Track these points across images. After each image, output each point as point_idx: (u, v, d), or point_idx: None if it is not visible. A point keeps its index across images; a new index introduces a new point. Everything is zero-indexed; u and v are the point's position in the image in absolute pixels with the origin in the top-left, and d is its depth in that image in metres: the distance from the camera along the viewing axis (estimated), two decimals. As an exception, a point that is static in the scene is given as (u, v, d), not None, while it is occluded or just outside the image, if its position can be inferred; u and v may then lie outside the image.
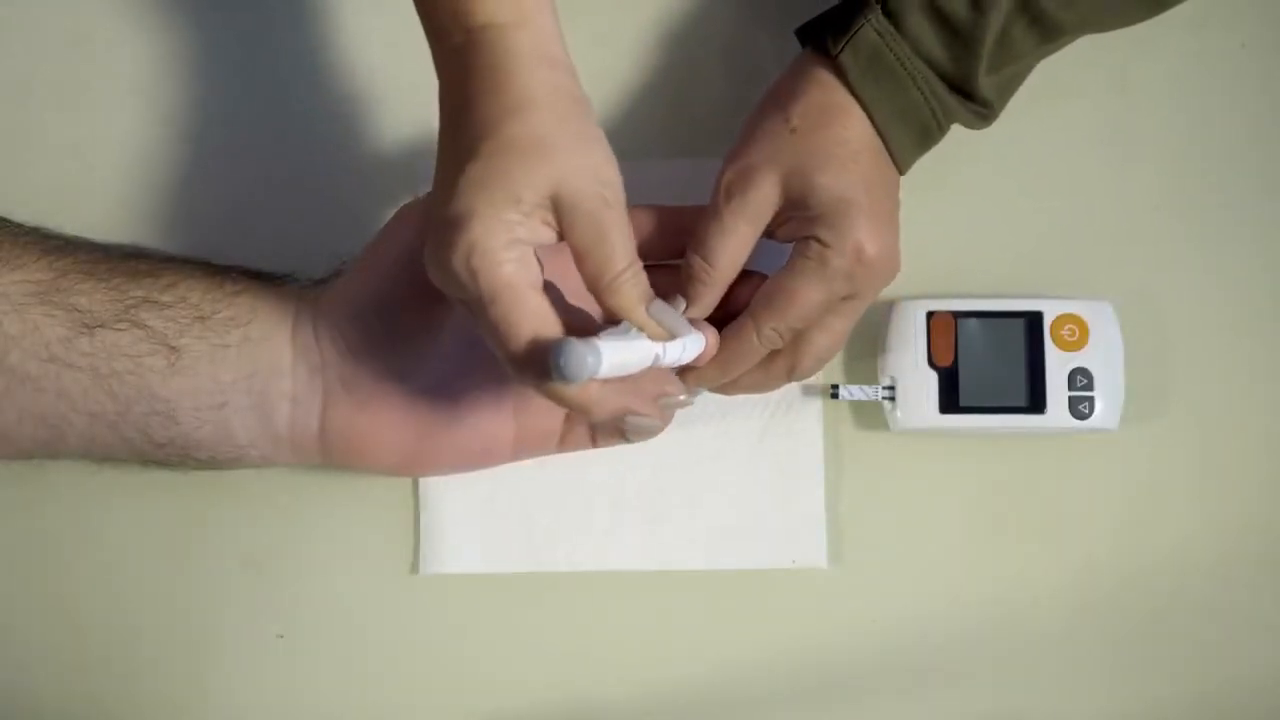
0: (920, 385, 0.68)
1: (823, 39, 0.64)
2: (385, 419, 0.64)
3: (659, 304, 0.56)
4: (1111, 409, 0.68)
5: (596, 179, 0.55)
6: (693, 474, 0.70)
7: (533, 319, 0.53)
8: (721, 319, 0.62)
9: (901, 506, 0.70)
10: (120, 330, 0.63)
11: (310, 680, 0.70)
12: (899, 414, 0.69)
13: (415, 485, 0.70)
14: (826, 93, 0.63)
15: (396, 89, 0.74)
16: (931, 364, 0.69)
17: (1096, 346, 0.69)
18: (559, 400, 0.54)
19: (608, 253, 0.54)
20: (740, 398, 0.68)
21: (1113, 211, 0.72)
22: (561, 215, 0.54)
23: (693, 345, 0.59)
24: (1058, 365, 0.68)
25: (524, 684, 0.69)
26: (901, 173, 0.65)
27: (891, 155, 0.64)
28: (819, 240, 0.61)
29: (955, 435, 0.69)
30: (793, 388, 0.70)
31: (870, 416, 0.70)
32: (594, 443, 0.66)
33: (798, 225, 0.61)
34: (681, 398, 0.60)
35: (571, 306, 0.56)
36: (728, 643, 0.69)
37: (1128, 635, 0.69)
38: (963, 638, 0.69)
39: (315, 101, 0.74)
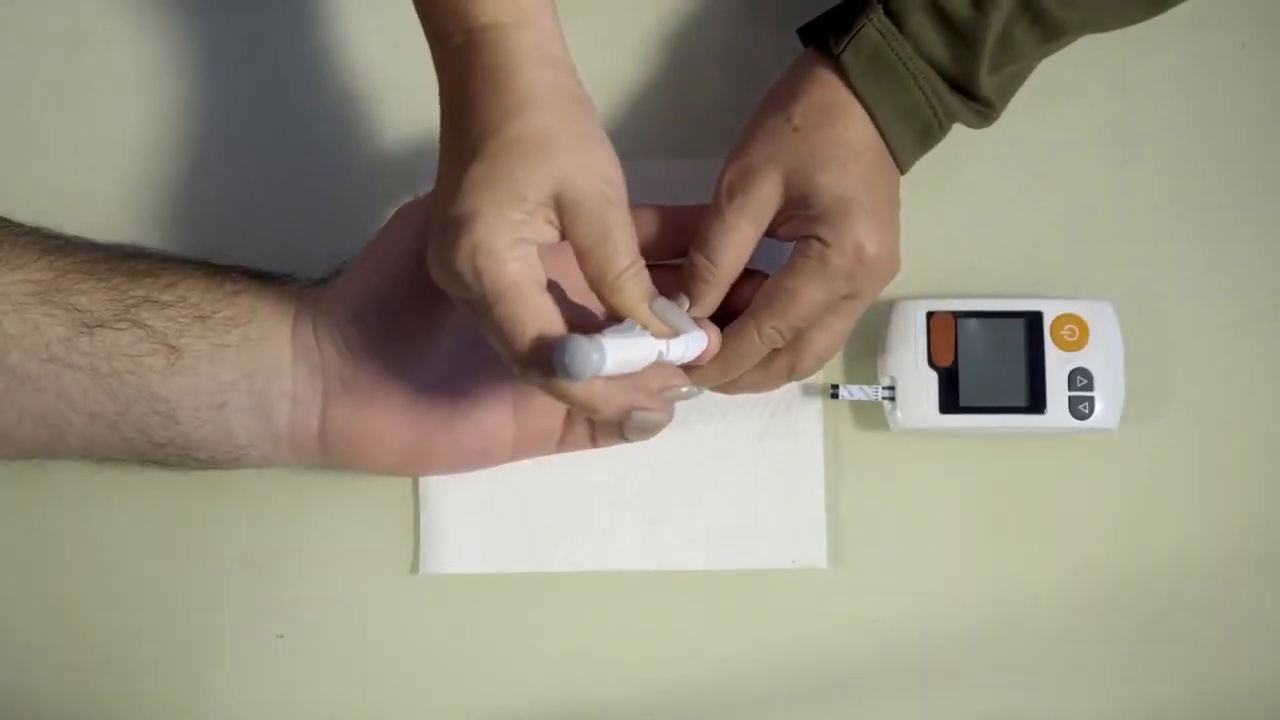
0: (920, 385, 0.69)
1: (824, 38, 0.64)
2: (385, 419, 0.64)
3: (662, 301, 0.56)
4: (1111, 409, 0.68)
5: (600, 178, 0.55)
6: (693, 474, 0.70)
7: (537, 317, 0.53)
8: (724, 318, 0.62)
9: (901, 506, 0.70)
10: (120, 330, 0.63)
11: (310, 680, 0.70)
12: (899, 414, 0.69)
13: (415, 485, 0.70)
14: (828, 92, 0.63)
15: (396, 89, 0.74)
16: (931, 364, 0.69)
17: (1096, 346, 0.69)
18: (565, 398, 0.54)
19: (611, 251, 0.54)
20: (740, 397, 0.68)
21: (1113, 211, 0.72)
22: (564, 214, 0.54)
23: (695, 343, 0.59)
24: (1058, 365, 0.68)
25: (524, 684, 0.69)
26: (903, 172, 0.65)
27: (893, 155, 0.64)
28: (819, 239, 0.61)
29: (955, 435, 0.69)
30: (793, 387, 0.70)
31: (870, 416, 0.70)
32: (593, 442, 0.67)
33: (798, 224, 0.61)
34: (684, 389, 0.60)
35: (575, 304, 0.56)
36: (728, 643, 0.69)
37: (1128, 635, 0.69)
38: (963, 638, 0.69)
39: (315, 101, 0.74)
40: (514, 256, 0.53)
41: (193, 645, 0.70)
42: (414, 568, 0.70)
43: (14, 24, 0.75)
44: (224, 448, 0.65)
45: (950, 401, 0.68)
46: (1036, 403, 0.68)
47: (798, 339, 0.63)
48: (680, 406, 0.61)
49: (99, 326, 0.63)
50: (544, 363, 0.52)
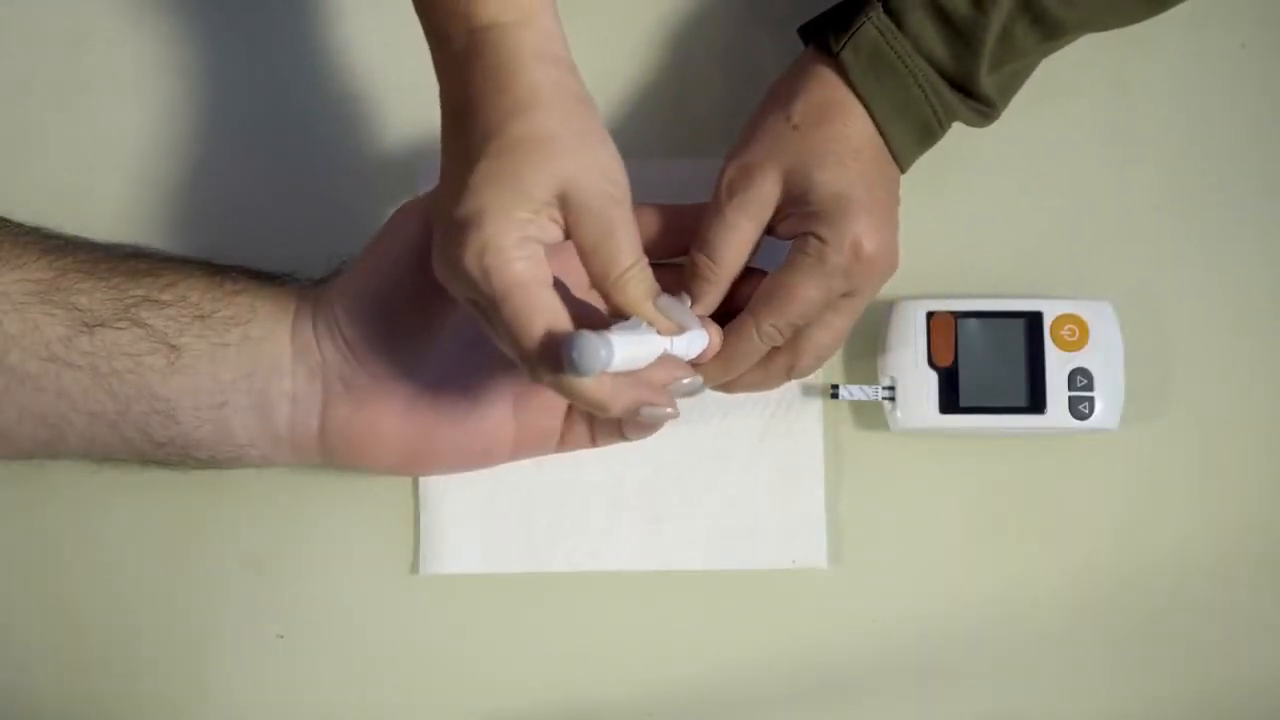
0: (920, 385, 0.69)
1: (824, 37, 0.64)
2: (385, 418, 0.64)
3: (666, 298, 0.57)
4: (1111, 409, 0.68)
5: (603, 177, 0.55)
6: (693, 474, 0.70)
7: (546, 315, 0.53)
8: (725, 316, 0.63)
9: (901, 506, 0.70)
10: (120, 329, 0.63)
11: (310, 680, 0.69)
12: (899, 414, 0.69)
13: (415, 485, 0.70)
14: (828, 90, 0.63)
15: (396, 89, 0.74)
16: (931, 364, 0.69)
17: (1096, 346, 0.69)
18: (574, 395, 0.54)
19: (615, 249, 0.54)
20: (740, 397, 0.68)
21: (1113, 211, 0.72)
22: (569, 213, 0.54)
23: (697, 341, 0.60)
24: (1058, 365, 0.68)
25: (524, 684, 0.69)
26: (902, 170, 0.65)
27: (892, 152, 0.64)
28: (817, 236, 0.61)
29: (955, 435, 0.69)
30: (792, 387, 0.70)
31: (870, 416, 0.70)
32: (593, 442, 0.66)
33: (797, 221, 0.62)
34: (687, 381, 0.60)
35: (580, 302, 0.56)
36: (728, 643, 0.69)
37: (1128, 635, 0.69)
38: (963, 638, 0.69)
39: (315, 101, 0.74)
40: (521, 255, 0.53)
41: (193, 645, 0.70)
42: (414, 568, 0.70)
43: (14, 24, 0.75)
44: (224, 447, 0.65)
45: (950, 401, 0.68)
46: (1036, 403, 0.68)
47: (797, 337, 0.63)
48: (681, 406, 0.61)
49: (99, 326, 0.63)
50: (553, 360, 0.53)
